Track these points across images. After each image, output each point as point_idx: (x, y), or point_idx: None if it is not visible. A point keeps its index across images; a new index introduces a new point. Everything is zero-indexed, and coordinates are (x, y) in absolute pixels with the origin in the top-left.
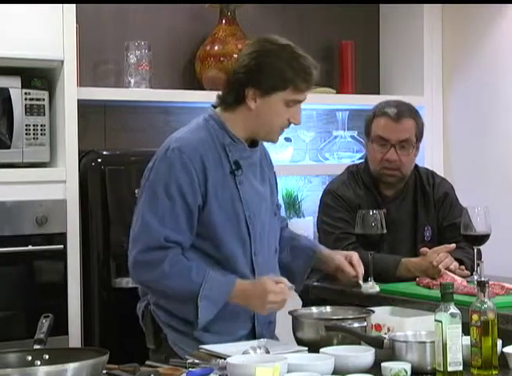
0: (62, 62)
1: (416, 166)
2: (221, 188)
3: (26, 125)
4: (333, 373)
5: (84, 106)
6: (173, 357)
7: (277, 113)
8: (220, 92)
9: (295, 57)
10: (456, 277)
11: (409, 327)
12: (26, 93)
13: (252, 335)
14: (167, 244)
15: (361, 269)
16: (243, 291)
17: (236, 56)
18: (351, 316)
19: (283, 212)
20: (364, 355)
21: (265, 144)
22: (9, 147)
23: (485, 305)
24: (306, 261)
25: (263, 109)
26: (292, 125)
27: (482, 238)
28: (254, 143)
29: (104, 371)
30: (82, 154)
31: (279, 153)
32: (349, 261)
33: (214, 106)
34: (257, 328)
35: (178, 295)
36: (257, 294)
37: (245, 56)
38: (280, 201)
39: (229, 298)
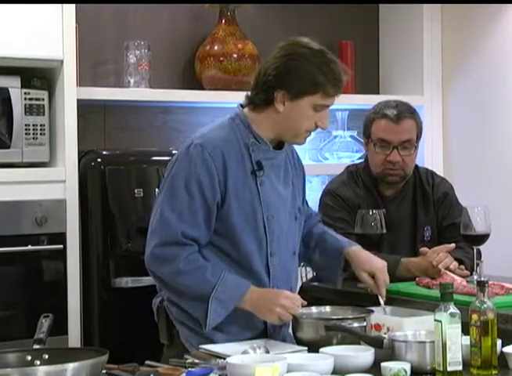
0: (61, 62)
1: (416, 166)
2: (242, 187)
3: (25, 125)
4: (332, 373)
5: (83, 106)
6: (185, 353)
7: (305, 117)
8: (249, 92)
9: (326, 62)
10: (455, 277)
11: (408, 326)
12: (25, 93)
13: (264, 337)
14: (184, 240)
15: (383, 290)
16: (254, 298)
17: (235, 55)
18: (350, 316)
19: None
20: (364, 355)
21: None
22: (8, 147)
23: (485, 305)
24: (336, 263)
25: (291, 112)
26: None
27: (482, 238)
28: (280, 145)
29: (104, 371)
30: (82, 154)
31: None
32: (372, 276)
33: (242, 106)
34: (269, 330)
35: (190, 293)
36: (267, 305)
37: (276, 58)
38: None
39: (240, 304)
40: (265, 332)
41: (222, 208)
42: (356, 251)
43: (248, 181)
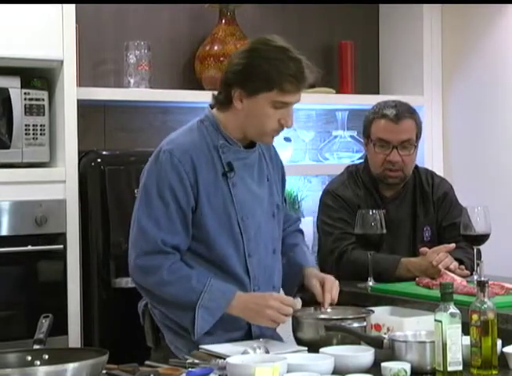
0: (61, 62)
1: (416, 166)
2: (214, 190)
3: (25, 125)
4: (332, 373)
5: (83, 106)
6: (170, 356)
7: (265, 115)
8: (215, 92)
9: (284, 59)
10: (455, 277)
11: (408, 326)
12: (25, 93)
13: (248, 337)
14: (165, 248)
15: (327, 298)
16: (242, 302)
17: None
18: (350, 316)
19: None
20: (364, 355)
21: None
22: (8, 147)
23: (485, 305)
24: (294, 278)
25: (250, 110)
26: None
27: (482, 238)
28: (252, 144)
29: (104, 371)
30: (82, 154)
31: (278, 153)
32: (322, 285)
33: (212, 107)
34: (253, 329)
35: (177, 302)
36: (256, 308)
37: (235, 55)
38: None
39: (228, 310)
40: (250, 332)
41: (195, 213)
42: (313, 270)
43: (220, 183)
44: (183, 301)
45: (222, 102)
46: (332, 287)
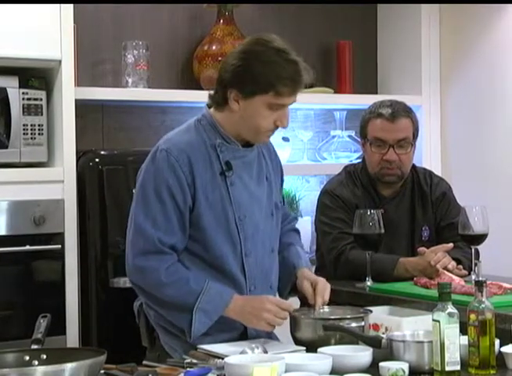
0: (59, 62)
1: (414, 166)
2: (211, 189)
3: (23, 125)
4: (330, 373)
5: (81, 106)
6: (165, 356)
7: (261, 116)
8: (211, 92)
9: (280, 61)
10: (453, 277)
11: (406, 326)
12: (23, 93)
13: (244, 337)
14: (162, 248)
15: (319, 300)
16: (239, 305)
17: None
18: (348, 316)
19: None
20: (362, 354)
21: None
22: (6, 147)
23: (483, 305)
24: (288, 277)
25: (246, 111)
26: (289, 125)
27: (480, 238)
28: (250, 142)
29: (102, 371)
30: (80, 154)
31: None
32: (314, 287)
33: (209, 106)
34: (249, 331)
35: (174, 304)
36: (253, 312)
37: (232, 55)
38: None
39: (225, 313)
40: (245, 333)
41: (193, 212)
42: (307, 271)
43: (217, 182)
44: (181, 302)
45: (218, 102)
46: (323, 289)
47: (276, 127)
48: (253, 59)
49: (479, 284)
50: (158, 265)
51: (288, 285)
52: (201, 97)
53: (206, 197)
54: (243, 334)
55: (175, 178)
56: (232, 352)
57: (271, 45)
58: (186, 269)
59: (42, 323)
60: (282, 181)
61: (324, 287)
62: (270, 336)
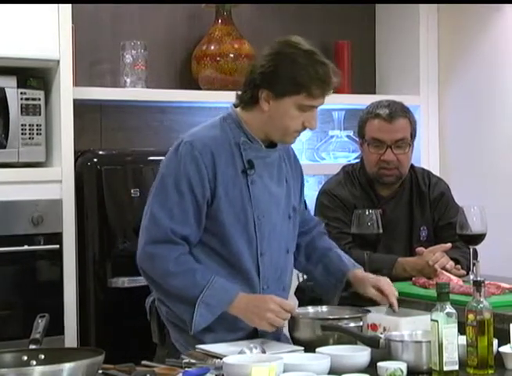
0: (58, 61)
1: (412, 166)
2: (232, 186)
3: (21, 125)
4: (329, 372)
5: (80, 106)
6: (174, 353)
7: (290, 117)
8: (239, 92)
9: (312, 63)
10: (452, 277)
11: (404, 326)
12: (21, 93)
13: (255, 338)
14: (174, 238)
15: (394, 300)
16: (243, 303)
17: (232, 55)
18: (347, 316)
19: None
20: (360, 354)
21: None
22: (4, 147)
23: (481, 305)
24: (337, 284)
25: (276, 111)
26: None
27: (478, 238)
28: (273, 144)
29: (100, 371)
30: (78, 154)
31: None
32: (378, 289)
33: (235, 106)
34: (260, 331)
35: (179, 295)
36: (256, 311)
37: (264, 57)
38: None
39: (228, 309)
40: (256, 333)
41: (212, 206)
42: (359, 273)
43: (239, 180)
44: (185, 294)
45: (247, 101)
46: (389, 287)
47: (304, 128)
48: (284, 61)
49: (477, 284)
50: (168, 254)
51: (337, 292)
52: (199, 97)
53: (226, 193)
54: (253, 334)
55: (196, 172)
56: (231, 352)
57: (302, 47)
58: (202, 263)
59: (40, 323)
60: (302, 185)
61: (389, 285)
62: (279, 337)
